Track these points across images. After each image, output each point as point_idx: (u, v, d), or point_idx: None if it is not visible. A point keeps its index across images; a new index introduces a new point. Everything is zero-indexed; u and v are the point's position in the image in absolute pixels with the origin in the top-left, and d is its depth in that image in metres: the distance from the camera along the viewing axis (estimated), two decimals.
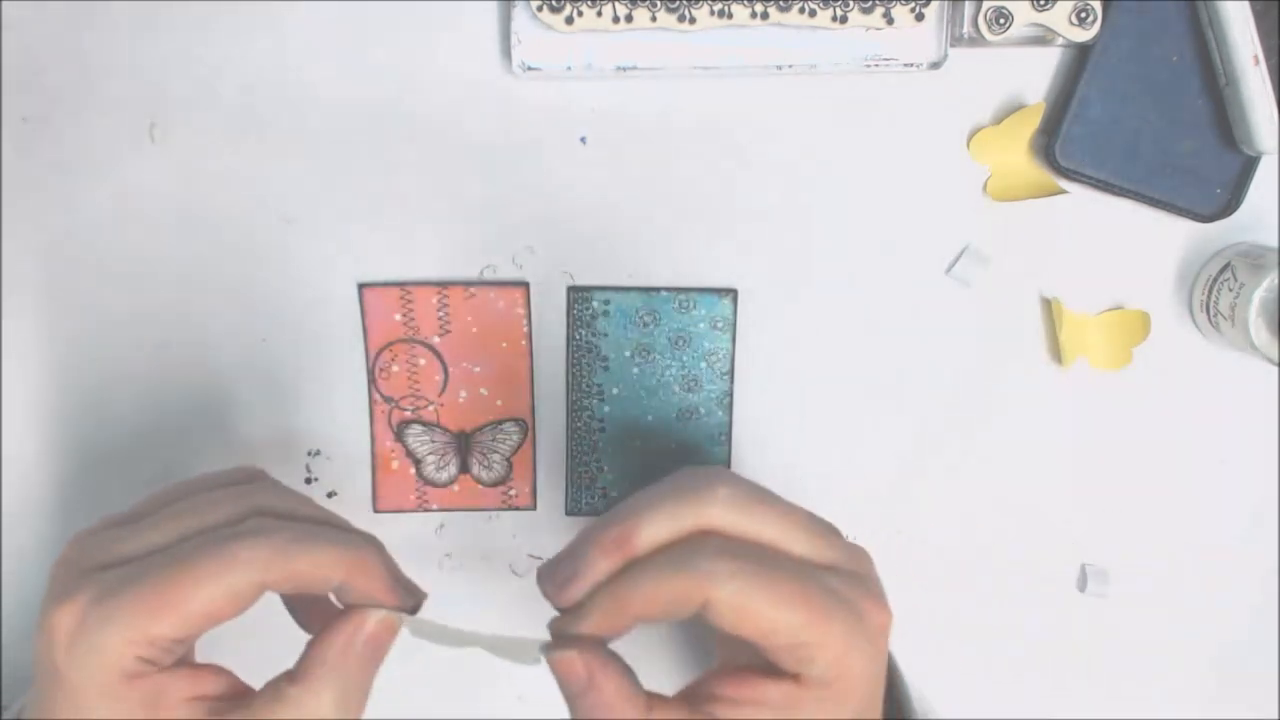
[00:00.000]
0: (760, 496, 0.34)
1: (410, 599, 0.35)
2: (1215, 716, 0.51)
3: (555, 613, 0.35)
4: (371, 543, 0.35)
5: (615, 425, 0.50)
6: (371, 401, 0.49)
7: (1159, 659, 0.51)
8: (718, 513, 0.33)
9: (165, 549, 0.33)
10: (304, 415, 0.50)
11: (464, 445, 0.50)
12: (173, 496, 0.36)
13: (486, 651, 0.35)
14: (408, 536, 0.50)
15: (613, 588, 0.33)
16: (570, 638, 0.33)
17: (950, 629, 0.51)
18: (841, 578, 0.33)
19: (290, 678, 0.33)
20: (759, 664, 0.33)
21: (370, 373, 0.49)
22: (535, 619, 0.51)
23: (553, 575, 0.34)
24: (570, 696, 0.33)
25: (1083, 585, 0.50)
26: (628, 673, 0.33)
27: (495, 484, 0.50)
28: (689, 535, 0.33)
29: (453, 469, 0.50)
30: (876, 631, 0.33)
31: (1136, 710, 0.50)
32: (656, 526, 0.33)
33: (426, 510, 0.50)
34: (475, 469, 0.50)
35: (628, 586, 0.32)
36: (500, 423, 0.50)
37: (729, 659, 0.35)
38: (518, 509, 0.50)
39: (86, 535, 0.35)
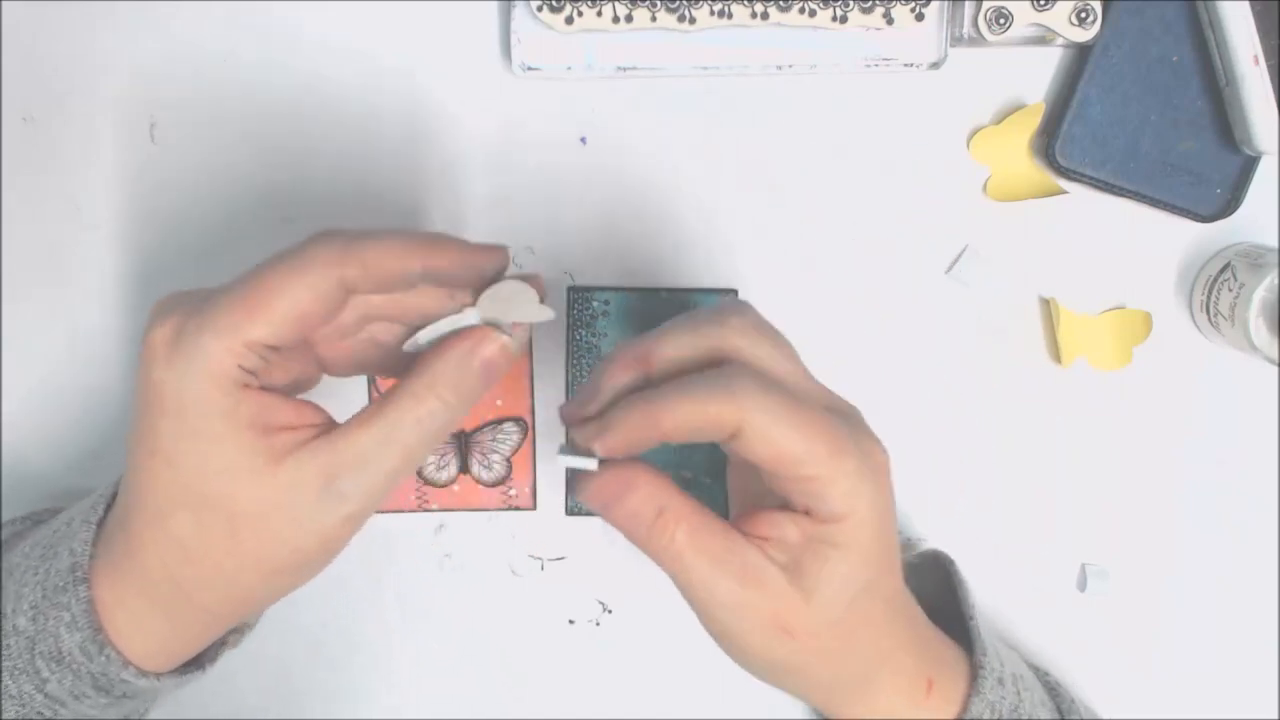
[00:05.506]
0: (771, 329, 0.35)
1: (494, 258, 0.35)
2: (1215, 716, 0.51)
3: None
4: (442, 234, 0.35)
5: None
6: (371, 401, 0.49)
7: (1159, 659, 0.51)
8: (733, 336, 0.34)
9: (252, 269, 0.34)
10: None
11: (464, 445, 0.50)
12: None
13: None
14: (407, 536, 0.50)
15: (646, 401, 0.33)
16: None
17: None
18: (844, 418, 0.35)
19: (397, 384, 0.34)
20: (774, 505, 0.34)
21: None
22: (536, 619, 0.51)
23: (574, 399, 0.35)
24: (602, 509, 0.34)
25: (1083, 585, 0.50)
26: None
27: (495, 484, 0.50)
28: (708, 358, 0.34)
29: (452, 469, 0.50)
30: (881, 470, 0.34)
31: (1136, 710, 0.50)
32: (676, 344, 0.34)
33: (426, 510, 0.50)
34: (475, 469, 0.50)
35: (662, 401, 0.33)
36: (500, 423, 0.50)
37: (743, 510, 0.36)
38: (518, 509, 0.50)
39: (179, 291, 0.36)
